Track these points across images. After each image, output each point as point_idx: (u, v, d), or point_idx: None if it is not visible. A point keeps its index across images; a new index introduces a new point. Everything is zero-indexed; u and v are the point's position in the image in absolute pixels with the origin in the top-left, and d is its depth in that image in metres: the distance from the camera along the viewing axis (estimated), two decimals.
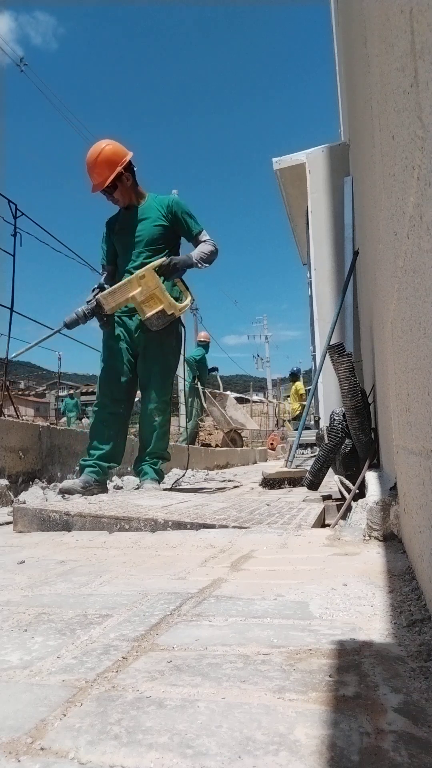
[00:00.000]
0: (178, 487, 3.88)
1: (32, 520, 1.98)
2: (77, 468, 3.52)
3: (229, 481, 4.81)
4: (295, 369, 14.80)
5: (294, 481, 3.63)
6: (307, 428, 5.83)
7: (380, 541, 1.41)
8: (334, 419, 2.69)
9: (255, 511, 2.07)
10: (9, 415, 4.03)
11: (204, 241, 3.48)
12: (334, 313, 4.35)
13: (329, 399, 4.64)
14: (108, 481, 3.87)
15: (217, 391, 10.80)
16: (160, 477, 3.50)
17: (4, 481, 3.04)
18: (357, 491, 1.95)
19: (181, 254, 3.51)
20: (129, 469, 3.84)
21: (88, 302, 3.35)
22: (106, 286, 3.44)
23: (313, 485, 2.94)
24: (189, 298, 3.51)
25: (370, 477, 1.84)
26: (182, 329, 3.69)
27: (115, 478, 4.08)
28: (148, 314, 3.24)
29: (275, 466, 6.00)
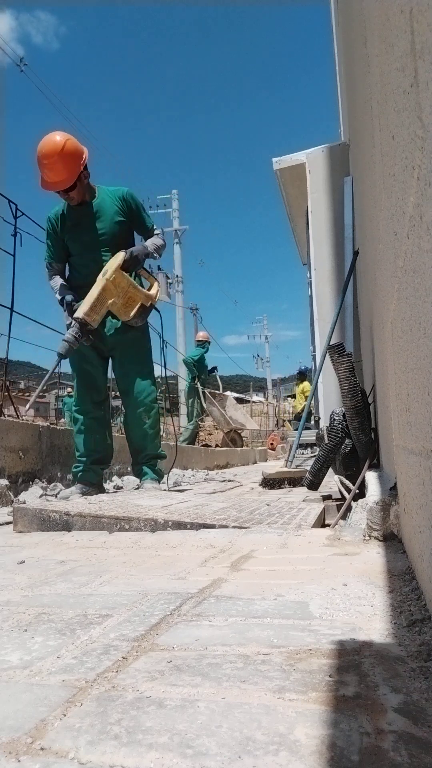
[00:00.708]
0: (177, 487, 3.88)
1: (32, 520, 1.99)
2: (70, 477, 3.51)
3: (229, 481, 4.80)
4: (303, 368, 14.66)
5: (294, 481, 3.63)
6: (307, 428, 5.83)
7: (380, 541, 1.41)
8: (334, 419, 2.69)
9: (255, 511, 2.07)
10: (9, 415, 4.03)
11: (156, 235, 3.44)
12: (334, 313, 4.35)
13: (329, 399, 4.64)
14: (108, 481, 3.88)
15: (217, 392, 10.79)
16: (159, 476, 3.50)
17: (4, 481, 3.04)
18: (357, 491, 1.95)
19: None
20: (129, 469, 3.84)
21: (69, 324, 3.15)
22: (74, 303, 3.20)
23: (313, 485, 2.94)
24: (156, 283, 3.46)
25: (370, 477, 1.84)
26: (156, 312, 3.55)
27: (114, 478, 4.09)
28: (132, 315, 3.20)
29: (275, 466, 5.99)
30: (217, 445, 10.49)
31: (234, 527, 1.73)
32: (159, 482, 3.48)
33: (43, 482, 3.37)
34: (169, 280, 18.60)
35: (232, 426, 10.72)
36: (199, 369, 10.19)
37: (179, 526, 1.80)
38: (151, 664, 0.71)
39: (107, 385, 3.52)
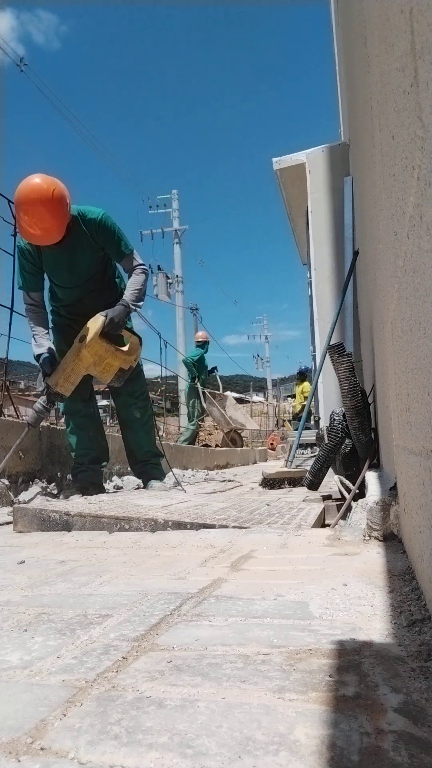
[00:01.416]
0: (177, 487, 3.88)
1: (32, 520, 1.99)
2: (69, 477, 3.51)
3: (229, 481, 4.81)
4: (303, 368, 14.62)
5: (294, 481, 3.63)
6: (307, 428, 5.83)
7: (380, 541, 1.41)
8: (334, 419, 2.69)
9: (255, 511, 2.07)
10: (9, 415, 4.03)
11: (134, 268, 3.13)
12: (334, 313, 4.35)
13: (329, 399, 4.65)
14: (108, 481, 3.88)
15: (217, 392, 10.79)
16: (163, 475, 3.52)
17: (4, 481, 3.04)
18: (357, 491, 1.95)
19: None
20: (128, 469, 3.84)
21: (42, 391, 3.06)
22: (49, 366, 3.03)
23: (313, 485, 2.94)
24: (137, 342, 3.20)
25: (370, 477, 1.84)
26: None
27: (114, 477, 4.09)
28: (108, 379, 3.11)
29: (275, 466, 6.00)
30: (217, 445, 10.49)
31: (234, 527, 1.73)
32: (162, 481, 3.49)
33: (43, 482, 3.37)
34: (169, 280, 18.61)
35: (232, 426, 10.72)
36: (198, 369, 10.19)
37: (179, 526, 1.80)
38: (151, 664, 0.71)
39: (91, 383, 3.44)
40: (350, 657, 0.69)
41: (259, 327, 46.34)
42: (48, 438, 3.61)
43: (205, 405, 10.10)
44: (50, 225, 2.77)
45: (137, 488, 3.59)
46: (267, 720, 0.55)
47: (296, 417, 14.29)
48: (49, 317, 3.28)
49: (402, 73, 0.76)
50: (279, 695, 0.60)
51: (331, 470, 2.92)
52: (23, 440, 3.07)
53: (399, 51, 0.79)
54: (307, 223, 5.60)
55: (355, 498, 1.84)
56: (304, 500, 2.55)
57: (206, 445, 10.22)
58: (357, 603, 0.91)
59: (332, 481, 2.83)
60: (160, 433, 4.14)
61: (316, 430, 4.43)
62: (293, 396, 15.42)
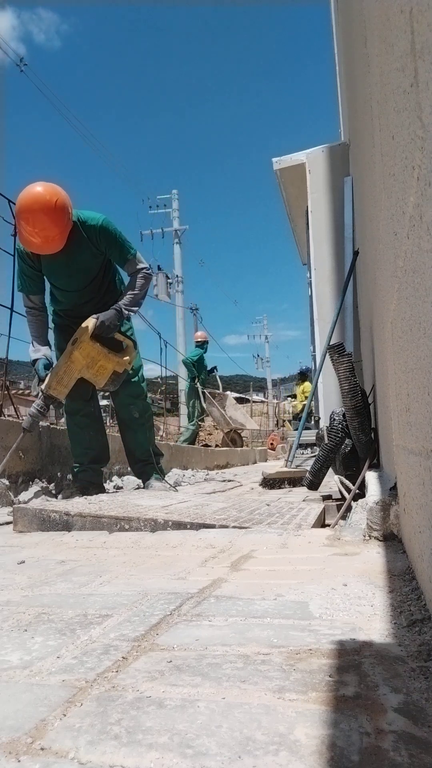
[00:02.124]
0: (177, 487, 3.89)
1: (32, 520, 1.99)
2: (69, 477, 3.51)
3: (229, 481, 4.81)
4: (304, 368, 14.58)
5: (294, 481, 3.63)
6: (307, 428, 5.83)
7: (380, 541, 1.41)
8: (334, 419, 2.69)
9: (255, 511, 2.07)
10: (9, 415, 4.02)
11: (137, 272, 3.10)
12: (334, 313, 4.35)
13: (329, 399, 4.65)
14: (108, 481, 3.88)
15: (217, 392, 10.79)
16: (163, 474, 3.52)
17: (4, 481, 3.04)
18: (357, 491, 1.95)
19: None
20: (128, 469, 3.84)
21: (37, 395, 3.01)
22: (45, 370, 3.03)
23: (313, 485, 2.94)
24: (131, 346, 3.21)
25: (370, 477, 1.84)
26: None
27: (114, 477, 4.09)
28: (103, 383, 3.12)
29: (275, 466, 6.00)
30: (217, 445, 10.49)
31: (234, 527, 1.73)
32: (162, 480, 3.49)
33: (43, 482, 3.37)
34: (169, 280, 18.59)
35: (232, 426, 10.72)
36: (198, 369, 10.19)
37: (179, 526, 1.80)
38: (151, 664, 0.71)
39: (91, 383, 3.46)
40: (350, 657, 0.69)
41: (259, 327, 46.36)
42: (48, 438, 3.61)
43: (204, 405, 10.10)
44: (52, 234, 2.73)
45: (137, 488, 3.59)
46: (267, 720, 0.55)
47: (296, 417, 14.28)
48: (50, 318, 3.30)
49: (402, 73, 0.76)
50: (279, 695, 0.60)
51: (331, 470, 2.93)
52: (20, 443, 3.07)
53: (399, 51, 0.79)
54: (307, 223, 5.60)
55: (355, 498, 1.84)
56: (304, 500, 2.55)
57: (206, 445, 10.22)
58: (357, 603, 0.91)
59: (332, 481, 2.83)
60: (160, 433, 4.14)
61: (316, 430, 4.43)
62: (294, 396, 15.40)
